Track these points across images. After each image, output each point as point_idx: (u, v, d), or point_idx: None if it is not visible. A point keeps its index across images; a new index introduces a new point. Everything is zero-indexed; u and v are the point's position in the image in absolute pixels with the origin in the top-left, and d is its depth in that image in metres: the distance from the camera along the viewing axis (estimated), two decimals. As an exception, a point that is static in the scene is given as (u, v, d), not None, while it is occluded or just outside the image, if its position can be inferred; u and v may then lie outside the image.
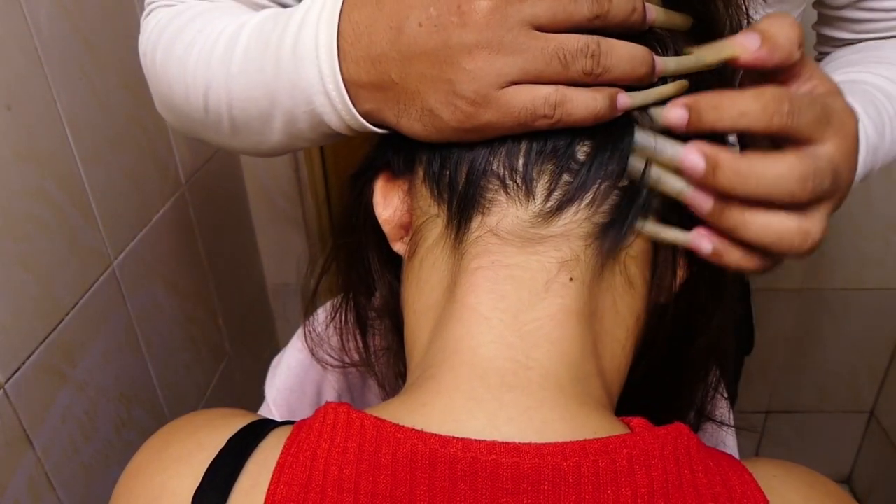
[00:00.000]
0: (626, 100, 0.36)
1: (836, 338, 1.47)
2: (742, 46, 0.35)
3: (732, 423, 0.57)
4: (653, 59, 0.36)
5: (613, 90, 0.35)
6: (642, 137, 0.36)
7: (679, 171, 0.36)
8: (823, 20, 0.67)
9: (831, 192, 0.35)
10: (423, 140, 0.38)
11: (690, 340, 0.45)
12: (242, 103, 0.44)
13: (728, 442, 0.57)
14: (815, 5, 0.67)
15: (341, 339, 0.55)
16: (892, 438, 1.50)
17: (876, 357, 1.49)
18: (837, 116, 0.35)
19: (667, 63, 0.36)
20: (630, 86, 0.36)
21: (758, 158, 0.34)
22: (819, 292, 1.42)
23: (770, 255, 0.36)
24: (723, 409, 0.54)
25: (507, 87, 0.34)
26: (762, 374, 1.52)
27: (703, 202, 0.36)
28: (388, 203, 0.42)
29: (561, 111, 0.34)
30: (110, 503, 0.37)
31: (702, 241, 0.37)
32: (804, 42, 0.36)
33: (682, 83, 0.37)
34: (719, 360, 0.50)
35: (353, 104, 0.39)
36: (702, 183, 0.35)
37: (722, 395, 0.52)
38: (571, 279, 0.36)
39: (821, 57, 0.69)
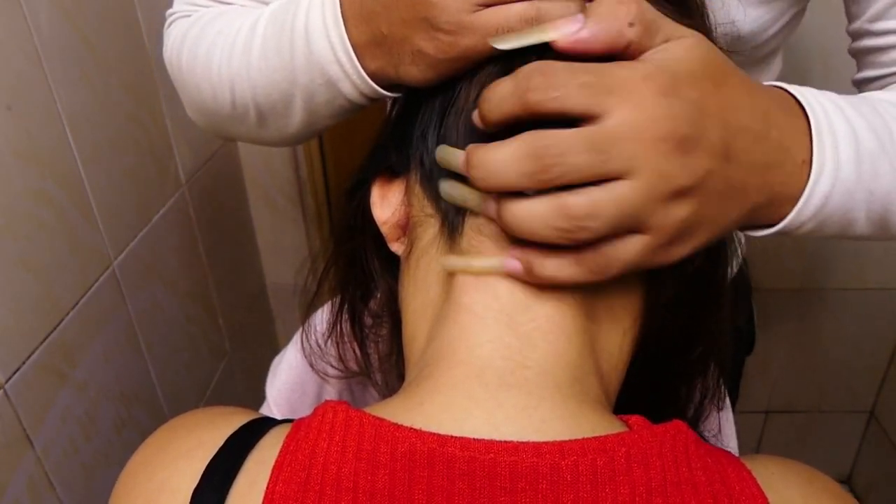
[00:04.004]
0: None
1: (836, 338, 1.47)
2: (557, 28, 0.33)
3: (732, 426, 0.57)
4: None
5: (581, 1, 0.36)
6: (442, 153, 0.36)
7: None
8: (857, 64, 0.62)
9: (608, 168, 0.31)
10: (422, 84, 0.40)
11: (687, 340, 0.45)
12: (265, 89, 0.47)
13: (730, 444, 0.57)
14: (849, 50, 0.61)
15: (339, 351, 0.55)
16: (892, 438, 1.50)
17: (876, 357, 1.49)
18: (628, 82, 0.32)
19: None
20: None
21: (487, 145, 0.33)
22: (819, 292, 1.42)
23: (592, 261, 0.33)
24: (714, 422, 0.54)
25: (478, 10, 0.36)
26: (762, 374, 1.52)
27: (490, 209, 0.34)
28: (385, 203, 0.43)
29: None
30: (111, 500, 0.37)
31: (511, 261, 0.35)
32: (645, 19, 0.33)
33: None
34: (717, 361, 0.50)
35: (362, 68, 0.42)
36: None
37: (716, 407, 0.52)
38: None
39: None
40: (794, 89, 0.40)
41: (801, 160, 0.38)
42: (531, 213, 0.32)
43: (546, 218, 0.32)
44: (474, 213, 0.37)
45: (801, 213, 0.39)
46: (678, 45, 0.33)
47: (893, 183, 0.41)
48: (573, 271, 0.33)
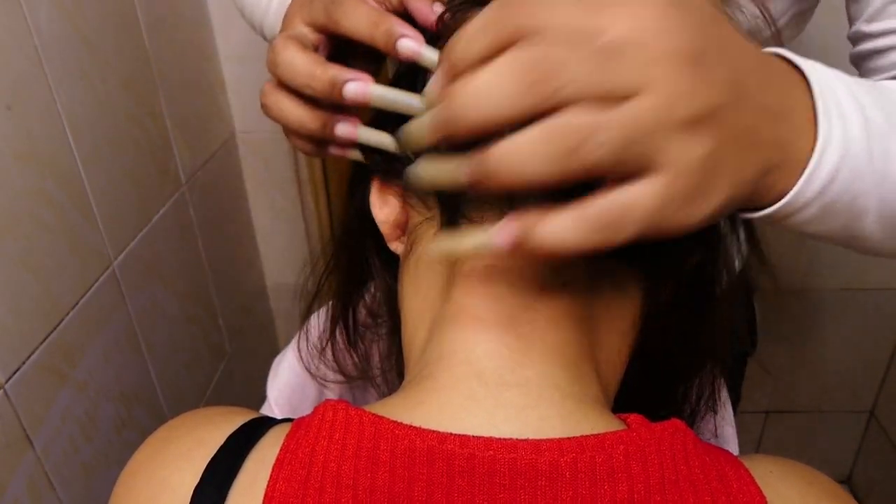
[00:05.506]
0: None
1: (836, 338, 1.47)
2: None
3: (733, 428, 0.57)
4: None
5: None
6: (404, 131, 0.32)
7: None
8: (859, 73, 0.56)
9: (617, 79, 0.26)
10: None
11: (687, 342, 0.45)
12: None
13: (730, 445, 0.57)
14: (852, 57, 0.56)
15: (336, 357, 0.55)
16: (892, 438, 1.50)
17: (876, 357, 1.49)
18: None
19: None
20: None
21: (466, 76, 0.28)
22: (819, 292, 1.42)
23: (601, 215, 0.27)
24: (711, 424, 0.54)
25: None
26: (762, 374, 1.52)
27: (470, 170, 0.28)
28: (384, 203, 0.43)
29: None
30: (111, 499, 0.37)
31: (501, 234, 0.29)
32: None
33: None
34: (719, 362, 0.50)
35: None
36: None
37: (712, 410, 0.51)
38: (564, 284, 0.36)
39: None
40: (788, 53, 0.35)
41: (806, 118, 0.33)
42: (518, 146, 0.27)
43: (537, 145, 0.26)
44: (473, 216, 0.37)
45: (808, 185, 0.33)
46: None
47: None
48: (578, 233, 0.27)
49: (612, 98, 0.26)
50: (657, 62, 0.26)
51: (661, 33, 0.27)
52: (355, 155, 0.43)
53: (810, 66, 0.35)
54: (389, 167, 0.42)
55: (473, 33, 0.28)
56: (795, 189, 0.33)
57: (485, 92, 0.27)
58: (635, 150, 0.27)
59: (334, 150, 0.44)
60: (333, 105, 0.40)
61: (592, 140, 0.26)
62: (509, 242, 0.29)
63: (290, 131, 0.42)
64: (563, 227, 0.28)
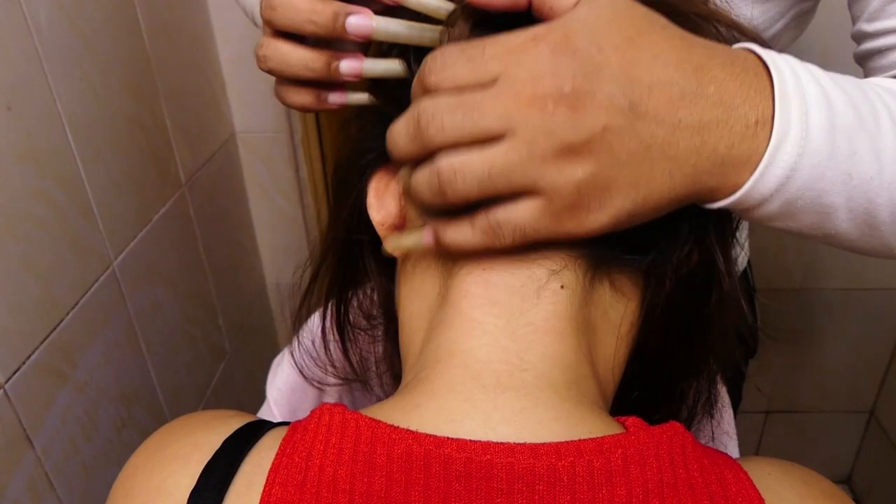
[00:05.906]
0: None
1: (836, 338, 1.47)
2: None
3: (733, 429, 0.57)
4: None
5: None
6: None
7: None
8: (863, 72, 0.56)
9: (482, 126, 0.32)
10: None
11: (686, 344, 0.45)
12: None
13: (729, 446, 0.57)
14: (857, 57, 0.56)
15: (330, 358, 0.55)
16: (892, 438, 1.50)
17: (876, 357, 1.49)
18: (514, 45, 0.32)
19: None
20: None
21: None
22: (819, 292, 1.42)
23: (484, 223, 0.34)
24: (707, 428, 0.54)
25: None
26: (762, 374, 1.52)
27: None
28: (381, 205, 0.42)
29: None
30: (107, 502, 0.37)
31: (427, 234, 0.37)
32: None
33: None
34: (720, 364, 0.50)
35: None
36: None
37: (709, 414, 0.51)
38: (562, 287, 0.36)
39: None
40: (761, 50, 0.36)
41: (754, 120, 0.34)
42: (417, 177, 0.35)
43: (424, 178, 0.34)
44: None
45: (763, 182, 0.34)
46: (587, 5, 0.33)
47: (877, 168, 0.36)
48: (469, 235, 0.35)
49: (482, 140, 0.32)
50: (519, 107, 0.31)
51: (528, 82, 0.31)
52: (356, 99, 0.43)
53: (776, 62, 0.35)
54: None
55: (413, 89, 0.36)
56: (748, 185, 0.34)
57: (393, 137, 0.35)
58: (505, 180, 0.32)
59: (334, 98, 0.43)
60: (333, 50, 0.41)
61: (459, 176, 0.32)
62: (429, 242, 0.37)
63: (286, 84, 0.42)
64: (457, 231, 0.35)
